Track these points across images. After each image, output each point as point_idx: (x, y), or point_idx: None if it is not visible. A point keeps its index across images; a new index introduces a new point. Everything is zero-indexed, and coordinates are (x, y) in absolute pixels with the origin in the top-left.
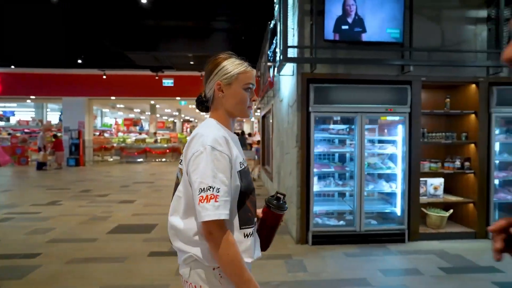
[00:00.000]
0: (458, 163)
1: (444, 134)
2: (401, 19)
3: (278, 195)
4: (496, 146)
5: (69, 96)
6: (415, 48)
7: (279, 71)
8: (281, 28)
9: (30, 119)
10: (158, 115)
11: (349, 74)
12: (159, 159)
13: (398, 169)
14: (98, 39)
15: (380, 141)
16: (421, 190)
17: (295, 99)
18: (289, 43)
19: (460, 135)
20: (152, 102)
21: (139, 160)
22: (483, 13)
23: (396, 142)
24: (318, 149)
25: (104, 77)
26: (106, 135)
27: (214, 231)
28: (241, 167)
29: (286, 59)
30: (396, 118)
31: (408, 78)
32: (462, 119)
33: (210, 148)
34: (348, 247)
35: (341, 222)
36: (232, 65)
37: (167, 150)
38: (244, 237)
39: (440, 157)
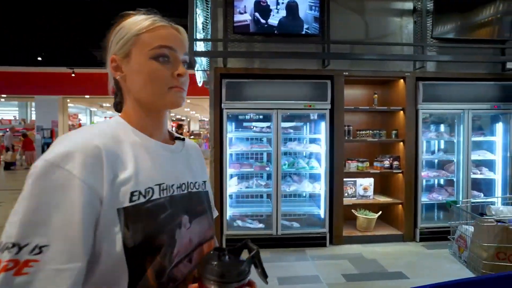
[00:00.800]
0: (387, 162)
1: (371, 132)
2: (318, 11)
3: (217, 251)
4: (424, 144)
5: (41, 95)
6: (334, 40)
7: (193, 67)
8: (189, 20)
9: (13, 118)
10: None
11: (266, 69)
12: None
13: (322, 168)
14: (61, 37)
15: (304, 139)
16: (350, 191)
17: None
18: (204, 36)
19: (391, 133)
20: None
21: None
22: (409, 5)
23: (320, 140)
24: (238, 147)
25: (73, 75)
26: None
27: None
28: (133, 201)
29: (192, 53)
30: (316, 114)
31: (330, 73)
32: (393, 116)
33: (49, 165)
34: (262, 252)
35: (261, 225)
36: (131, 24)
37: None
38: None
39: (375, 156)
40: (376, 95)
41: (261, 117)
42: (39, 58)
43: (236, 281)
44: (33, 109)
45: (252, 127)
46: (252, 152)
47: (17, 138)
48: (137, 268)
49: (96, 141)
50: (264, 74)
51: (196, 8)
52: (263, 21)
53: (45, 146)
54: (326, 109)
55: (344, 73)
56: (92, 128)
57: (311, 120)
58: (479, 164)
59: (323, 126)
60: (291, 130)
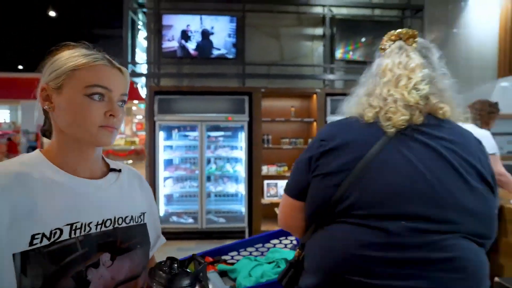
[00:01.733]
0: None
1: (288, 140)
2: (235, 38)
3: (169, 260)
4: None
5: (27, 99)
6: (248, 62)
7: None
8: (124, 45)
9: (3, 121)
10: (141, 116)
11: (192, 86)
12: (124, 162)
13: (244, 172)
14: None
15: (230, 146)
16: (272, 191)
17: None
18: (140, 58)
19: (307, 141)
20: None
21: None
22: (319, 31)
23: (243, 148)
24: (174, 154)
25: None
26: None
27: None
28: (34, 244)
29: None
30: (238, 125)
31: (249, 90)
32: (310, 126)
33: None
34: (189, 242)
35: (191, 220)
36: (69, 57)
37: (128, 152)
38: None
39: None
40: (293, 108)
41: (195, 127)
42: (20, 67)
43: None
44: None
45: (188, 136)
46: (189, 158)
47: (3, 140)
48: None
49: (16, 168)
50: (192, 91)
51: (129, 34)
52: (187, 47)
53: (30, 149)
54: (245, 121)
55: (261, 89)
56: (15, 161)
57: (236, 129)
58: None
59: (244, 136)
60: (220, 138)
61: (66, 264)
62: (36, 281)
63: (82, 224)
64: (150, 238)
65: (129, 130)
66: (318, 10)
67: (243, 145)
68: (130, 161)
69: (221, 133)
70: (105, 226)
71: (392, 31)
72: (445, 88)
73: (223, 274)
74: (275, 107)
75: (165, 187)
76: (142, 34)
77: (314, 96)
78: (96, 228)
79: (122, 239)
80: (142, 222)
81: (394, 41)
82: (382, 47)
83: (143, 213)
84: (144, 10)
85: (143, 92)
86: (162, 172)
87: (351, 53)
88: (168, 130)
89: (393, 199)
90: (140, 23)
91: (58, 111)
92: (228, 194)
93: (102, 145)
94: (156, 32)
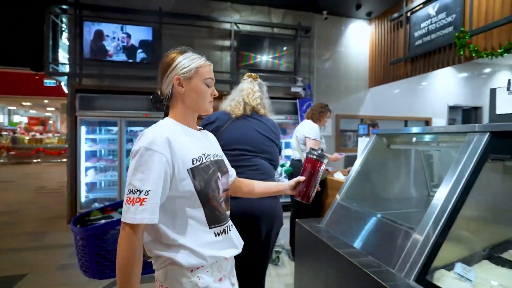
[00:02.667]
0: None
1: None
2: (150, 45)
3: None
4: None
5: None
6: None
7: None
8: (46, 46)
9: None
10: None
11: (113, 86)
12: (59, 160)
13: None
14: None
15: None
16: None
17: None
18: (64, 59)
19: None
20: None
21: (34, 160)
22: (227, 43)
23: None
24: (96, 146)
25: None
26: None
27: (126, 232)
28: (194, 164)
29: (48, 73)
30: (156, 121)
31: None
32: None
33: (144, 148)
34: None
35: None
36: (190, 59)
37: (63, 150)
38: (215, 235)
39: None
40: None
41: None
42: None
43: (322, 159)
44: None
45: (111, 130)
46: (112, 150)
47: None
48: (205, 200)
49: (166, 132)
50: (113, 90)
51: (50, 37)
52: (109, 51)
53: None
54: (161, 117)
55: None
56: (161, 125)
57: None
58: None
59: None
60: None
61: (210, 175)
62: (201, 182)
63: (208, 154)
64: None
65: (64, 128)
66: (226, 26)
67: None
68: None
69: (142, 128)
70: (215, 157)
71: (248, 73)
72: (265, 103)
73: None
74: None
75: (87, 176)
76: (66, 35)
77: (223, 97)
78: (213, 158)
79: (221, 166)
80: (222, 158)
81: (249, 77)
82: (244, 78)
83: (221, 154)
84: (66, 15)
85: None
86: (83, 163)
87: (254, 62)
88: (91, 125)
89: (234, 142)
90: (64, 26)
91: (188, 93)
92: None
93: (209, 113)
94: (78, 36)
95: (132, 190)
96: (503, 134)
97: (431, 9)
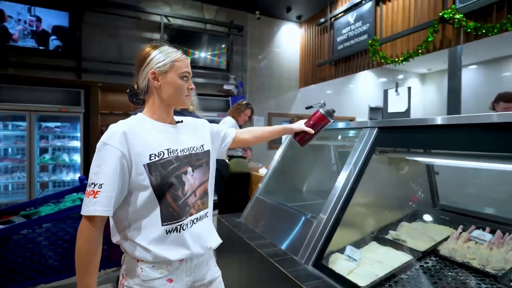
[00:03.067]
0: None
1: None
2: (66, 32)
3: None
4: None
5: None
6: (87, 58)
7: None
8: None
9: None
10: None
11: (20, 76)
12: None
13: (80, 160)
14: None
15: (68, 137)
16: None
17: None
18: None
19: None
20: None
21: None
22: (156, 36)
23: (79, 138)
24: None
25: None
26: None
27: (82, 223)
28: (151, 159)
29: None
30: (74, 116)
31: (86, 83)
32: None
33: (102, 143)
34: None
35: None
36: (165, 53)
37: None
38: (167, 233)
39: None
40: None
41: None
42: None
43: (329, 117)
44: None
45: (20, 126)
46: (21, 148)
47: None
48: (161, 196)
49: (125, 127)
50: (22, 80)
51: None
52: (10, 33)
53: None
54: (80, 112)
55: (99, 84)
56: (126, 121)
57: (74, 120)
58: None
59: (80, 126)
60: (57, 129)
61: (170, 170)
62: (157, 177)
63: (173, 149)
64: (211, 160)
65: None
66: (155, 18)
67: (79, 135)
68: None
69: (58, 123)
70: (184, 152)
71: None
72: (193, 100)
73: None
74: (115, 101)
75: None
76: None
77: None
78: (180, 153)
79: (195, 159)
80: (203, 150)
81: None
82: None
83: (202, 145)
84: None
85: None
86: None
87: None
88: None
89: None
90: None
91: (163, 87)
92: (65, 183)
93: (186, 105)
94: None
95: (89, 183)
96: (388, 129)
97: (350, 17)
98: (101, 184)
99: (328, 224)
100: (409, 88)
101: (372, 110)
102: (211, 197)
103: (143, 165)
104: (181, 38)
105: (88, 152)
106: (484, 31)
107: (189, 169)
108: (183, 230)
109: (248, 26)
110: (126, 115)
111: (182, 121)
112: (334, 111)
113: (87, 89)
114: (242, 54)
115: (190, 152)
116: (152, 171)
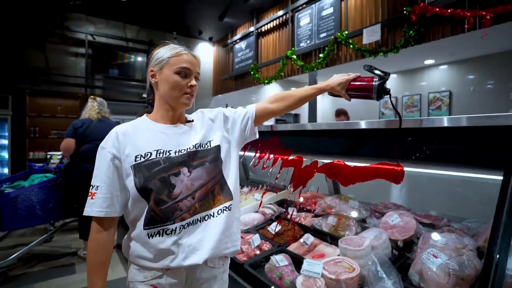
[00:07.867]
0: None
1: (56, 132)
2: None
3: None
4: None
5: None
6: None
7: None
8: None
9: None
10: None
11: None
12: None
13: (8, 157)
14: None
15: None
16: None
17: None
18: None
19: None
20: None
21: None
22: (82, 50)
23: (7, 136)
24: None
25: None
26: None
27: (92, 226)
28: (136, 160)
29: None
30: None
31: (13, 89)
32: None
33: (100, 147)
34: None
35: None
36: (165, 50)
37: None
38: (149, 237)
39: None
40: (59, 106)
41: None
42: None
43: (384, 93)
44: None
45: None
46: None
47: None
48: (147, 199)
49: (119, 129)
50: None
51: None
52: None
53: None
54: (8, 115)
55: (26, 90)
56: (130, 121)
57: (3, 121)
58: None
59: (8, 127)
60: None
61: (154, 172)
62: (140, 179)
63: (163, 150)
64: (222, 154)
65: None
66: (81, 36)
67: (8, 134)
68: None
69: None
70: (180, 152)
71: (91, 97)
72: (106, 111)
73: None
74: (43, 105)
75: None
76: None
77: (79, 99)
78: (175, 153)
79: (193, 159)
80: (210, 147)
81: (90, 98)
82: (90, 97)
83: (210, 141)
84: None
85: None
86: None
87: (110, 70)
88: None
89: (93, 135)
90: None
91: (160, 84)
92: None
93: (184, 107)
94: None
95: (90, 185)
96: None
97: (242, 45)
98: (97, 186)
99: None
100: None
101: (278, 120)
102: (228, 195)
103: (130, 166)
104: (104, 54)
105: (16, 149)
106: (307, 68)
107: (184, 169)
108: (167, 235)
109: None
110: (53, 117)
111: (192, 120)
112: (389, 91)
113: (14, 94)
114: None
115: (188, 151)
116: (136, 172)
